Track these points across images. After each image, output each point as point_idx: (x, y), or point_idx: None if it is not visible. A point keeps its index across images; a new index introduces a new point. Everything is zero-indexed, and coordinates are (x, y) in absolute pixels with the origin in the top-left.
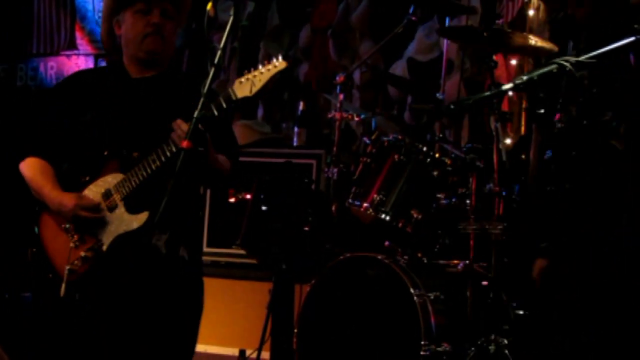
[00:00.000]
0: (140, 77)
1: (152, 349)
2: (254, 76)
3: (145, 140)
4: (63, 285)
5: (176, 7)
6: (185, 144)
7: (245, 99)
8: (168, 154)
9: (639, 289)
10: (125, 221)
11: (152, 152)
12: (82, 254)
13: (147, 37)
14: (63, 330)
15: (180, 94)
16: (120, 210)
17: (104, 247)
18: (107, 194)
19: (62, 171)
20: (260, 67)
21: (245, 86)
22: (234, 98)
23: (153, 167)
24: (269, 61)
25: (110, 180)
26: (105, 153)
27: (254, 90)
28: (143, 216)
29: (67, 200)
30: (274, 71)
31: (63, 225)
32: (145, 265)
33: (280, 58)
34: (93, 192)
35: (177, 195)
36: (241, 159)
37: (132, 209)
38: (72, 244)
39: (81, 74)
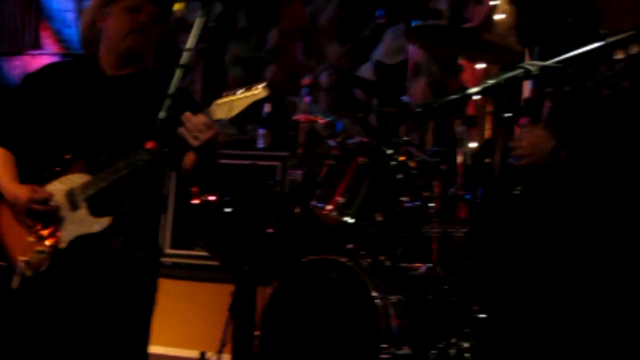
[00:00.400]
0: (114, 75)
1: (103, 347)
2: (233, 100)
3: (114, 143)
4: (17, 277)
5: (164, 11)
6: (150, 144)
7: (220, 120)
8: (136, 164)
9: (600, 292)
10: (86, 223)
11: (120, 158)
12: (40, 248)
13: (131, 34)
14: (14, 323)
15: (152, 96)
16: (83, 211)
17: (63, 245)
18: (70, 193)
19: (27, 163)
20: (240, 91)
21: (223, 108)
22: (210, 119)
23: (121, 174)
24: (250, 86)
25: (76, 179)
26: (69, 156)
27: (232, 114)
28: (105, 221)
29: (21, 192)
30: (253, 99)
31: (24, 218)
32: (101, 265)
33: (261, 85)
34: (57, 188)
35: (140, 196)
36: None
37: (95, 212)
38: (31, 238)
39: (55, 67)
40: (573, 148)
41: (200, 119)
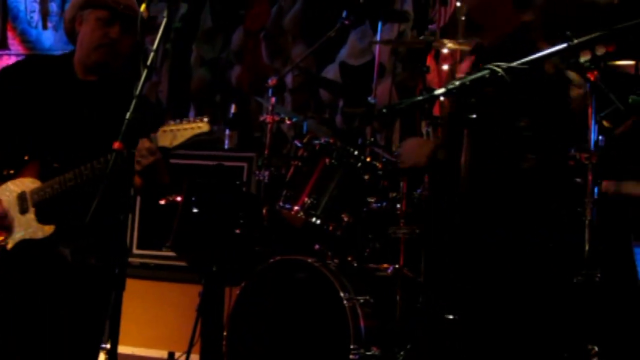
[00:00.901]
0: (84, 80)
1: (44, 352)
2: (178, 130)
3: (71, 150)
4: None
5: (135, 24)
6: (116, 145)
7: (164, 148)
8: (84, 177)
9: (507, 288)
10: (32, 228)
11: (70, 169)
12: None
13: (99, 48)
14: None
15: (117, 106)
16: (31, 216)
17: (9, 246)
18: (22, 196)
19: None
20: (184, 121)
21: (167, 136)
22: (155, 145)
23: (68, 185)
24: (195, 119)
25: (28, 183)
26: (26, 158)
27: (174, 143)
28: (49, 229)
29: None
30: (197, 131)
31: None
32: (46, 271)
33: (205, 120)
34: (10, 189)
35: (106, 198)
36: (172, 161)
37: (41, 218)
38: None
39: (31, 62)
40: (452, 147)
41: (144, 143)
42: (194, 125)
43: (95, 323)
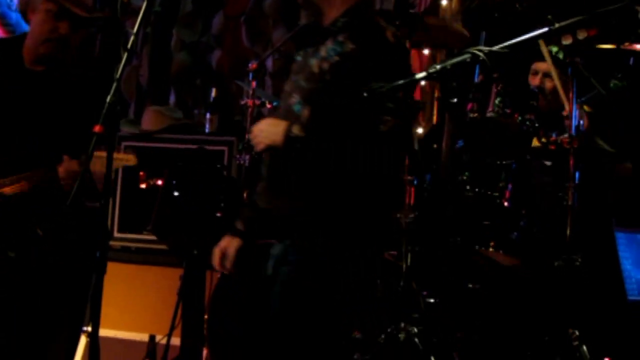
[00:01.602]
0: (31, 70)
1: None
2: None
3: (5, 149)
4: None
5: (85, 20)
6: (97, 128)
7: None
8: (9, 194)
9: None
10: None
11: (7, 175)
12: None
13: (47, 42)
14: None
15: (64, 101)
16: None
17: None
18: None
19: None
20: (117, 152)
21: (100, 161)
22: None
23: (3, 191)
24: (125, 151)
25: None
26: None
27: (104, 170)
28: None
29: None
30: (124, 163)
31: None
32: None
33: (133, 155)
34: None
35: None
36: (153, 144)
37: None
38: None
39: None
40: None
41: (71, 165)
42: (123, 157)
43: (76, 306)
